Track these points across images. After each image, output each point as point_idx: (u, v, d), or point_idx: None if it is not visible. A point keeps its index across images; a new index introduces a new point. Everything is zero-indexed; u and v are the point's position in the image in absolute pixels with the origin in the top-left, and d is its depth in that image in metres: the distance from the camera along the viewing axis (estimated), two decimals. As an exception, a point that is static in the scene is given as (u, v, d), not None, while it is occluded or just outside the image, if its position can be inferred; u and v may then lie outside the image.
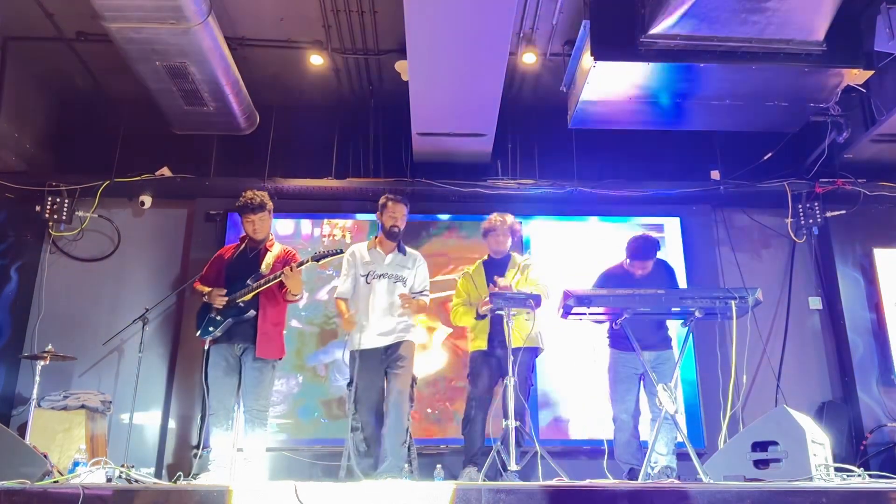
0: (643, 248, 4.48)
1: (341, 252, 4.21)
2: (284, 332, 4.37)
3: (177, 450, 5.59)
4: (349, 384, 4.22)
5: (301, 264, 4.09)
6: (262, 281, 4.10)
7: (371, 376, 4.19)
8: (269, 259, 4.25)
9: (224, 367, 4.11)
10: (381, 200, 4.47)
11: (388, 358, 4.23)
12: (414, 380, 4.31)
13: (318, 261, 4.14)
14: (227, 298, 4.09)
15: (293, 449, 5.65)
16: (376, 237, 4.50)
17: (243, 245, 4.38)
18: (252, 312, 4.10)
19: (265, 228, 4.29)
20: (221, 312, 4.11)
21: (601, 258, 5.12)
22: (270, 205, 4.30)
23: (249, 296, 4.10)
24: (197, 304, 4.32)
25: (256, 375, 4.08)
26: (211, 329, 4.09)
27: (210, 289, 4.16)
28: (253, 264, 4.24)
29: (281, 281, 4.09)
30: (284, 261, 4.24)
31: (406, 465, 4.10)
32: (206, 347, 4.18)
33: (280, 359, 4.27)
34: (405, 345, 4.27)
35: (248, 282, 4.14)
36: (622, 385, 4.47)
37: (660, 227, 6.34)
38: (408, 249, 4.52)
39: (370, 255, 4.43)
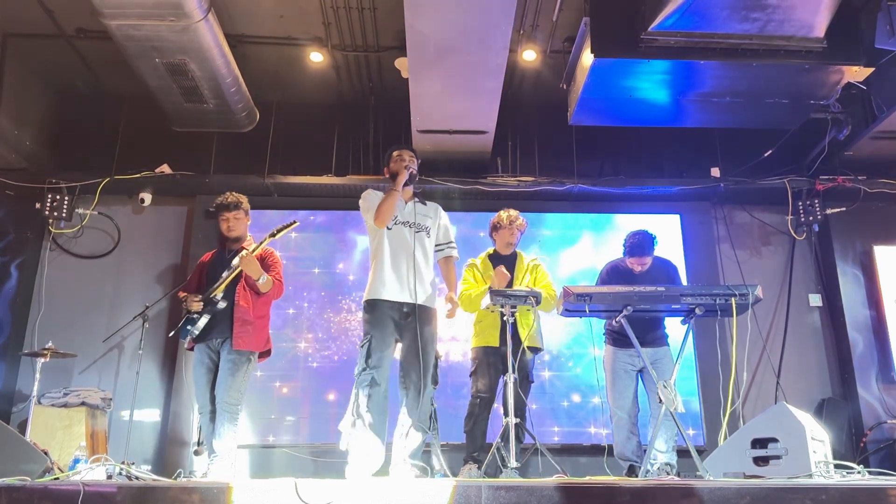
0: (640, 244, 4.48)
1: (295, 223, 4.12)
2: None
3: (177, 446, 5.61)
4: (364, 339, 3.71)
5: (256, 248, 4.09)
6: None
7: (387, 330, 3.70)
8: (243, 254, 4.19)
9: (206, 364, 4.09)
10: (387, 153, 4.07)
11: (406, 321, 3.73)
12: (437, 358, 3.86)
13: (273, 236, 4.09)
14: (201, 301, 4.06)
15: (293, 446, 5.67)
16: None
17: (221, 247, 4.35)
18: (223, 304, 4.08)
19: (239, 227, 4.28)
20: (199, 312, 4.09)
21: (601, 256, 5.12)
22: (247, 206, 4.31)
23: (220, 287, 4.07)
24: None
25: (230, 367, 4.01)
26: (189, 328, 4.06)
27: (186, 294, 4.15)
28: (229, 263, 4.18)
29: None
30: (260, 257, 4.18)
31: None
32: (192, 349, 4.18)
33: (260, 352, 4.18)
34: (429, 312, 3.80)
35: (222, 275, 4.13)
36: (620, 382, 4.46)
37: (660, 224, 6.33)
38: (427, 201, 4.08)
39: None
